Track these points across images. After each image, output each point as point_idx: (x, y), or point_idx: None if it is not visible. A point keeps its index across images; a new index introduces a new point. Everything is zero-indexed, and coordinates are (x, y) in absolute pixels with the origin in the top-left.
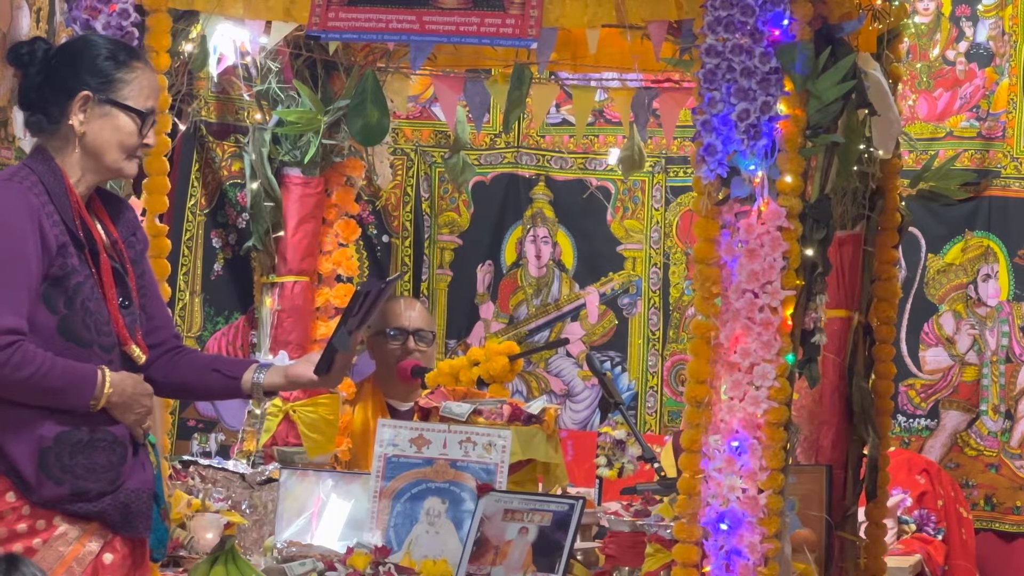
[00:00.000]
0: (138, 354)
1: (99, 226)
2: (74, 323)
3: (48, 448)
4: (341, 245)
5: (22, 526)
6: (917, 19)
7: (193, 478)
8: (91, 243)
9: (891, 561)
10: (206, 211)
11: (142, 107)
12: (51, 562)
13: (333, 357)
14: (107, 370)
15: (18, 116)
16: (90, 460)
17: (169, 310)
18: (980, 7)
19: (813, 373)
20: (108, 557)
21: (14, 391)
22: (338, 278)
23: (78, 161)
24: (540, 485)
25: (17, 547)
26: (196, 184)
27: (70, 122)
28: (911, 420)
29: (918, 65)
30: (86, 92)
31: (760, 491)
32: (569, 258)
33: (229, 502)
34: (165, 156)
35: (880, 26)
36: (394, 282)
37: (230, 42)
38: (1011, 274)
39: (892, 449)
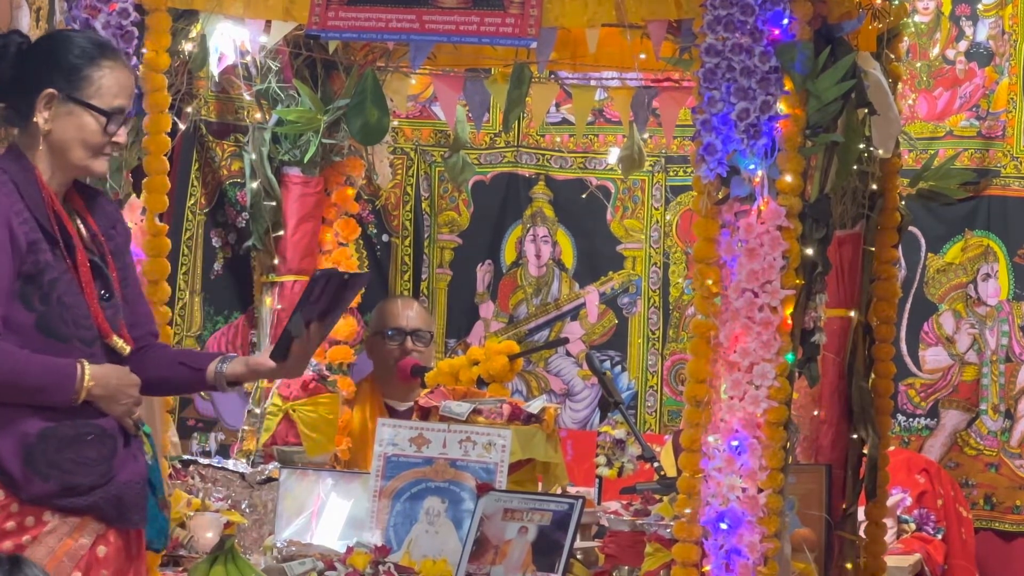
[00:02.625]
0: (121, 345)
1: (79, 221)
2: (52, 319)
3: (32, 445)
4: (341, 244)
5: (11, 524)
6: (917, 18)
7: (193, 477)
8: (66, 238)
9: (891, 560)
10: (206, 210)
11: (107, 106)
12: (41, 557)
13: (289, 343)
14: (86, 364)
15: None
16: (79, 454)
17: (151, 308)
18: (980, 6)
19: (813, 372)
20: (102, 550)
21: None
22: None
23: (46, 158)
24: (540, 484)
25: (7, 544)
26: (196, 183)
27: (35, 119)
28: (911, 419)
29: (918, 64)
30: (51, 90)
31: (760, 490)
32: (569, 257)
33: (229, 501)
34: (165, 155)
35: (880, 25)
36: (360, 278)
37: (230, 41)
38: (1011, 273)
39: (892, 448)
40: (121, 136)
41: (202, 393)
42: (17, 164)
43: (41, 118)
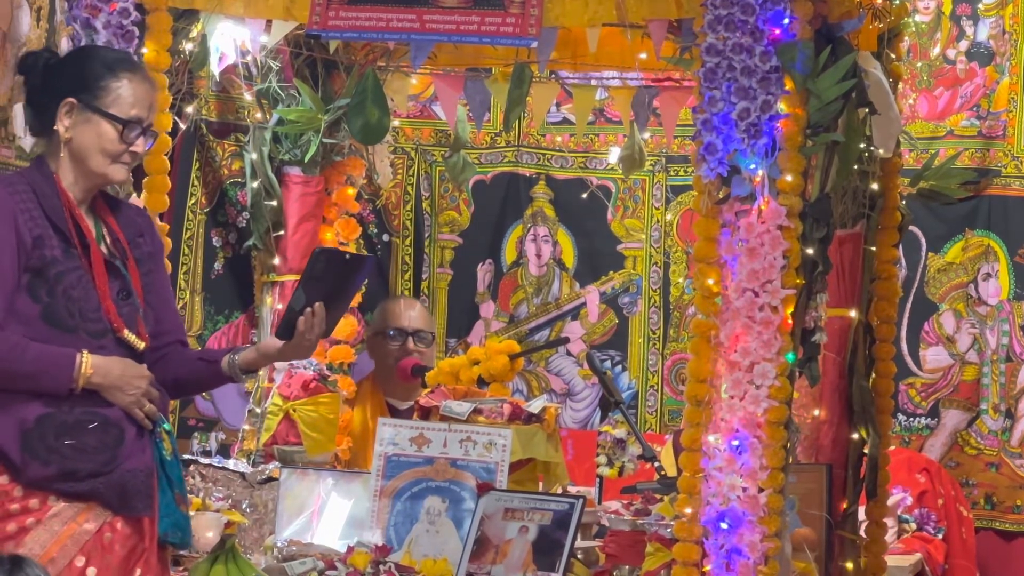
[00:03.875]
0: (135, 340)
1: (103, 227)
2: (57, 310)
3: (30, 430)
4: (341, 244)
5: (15, 506)
6: (918, 18)
7: (193, 477)
8: (81, 237)
9: (891, 560)
10: (206, 210)
11: (124, 115)
12: (45, 540)
13: (293, 320)
14: (87, 353)
15: (18, 115)
16: (79, 441)
17: (180, 317)
18: (980, 6)
19: (813, 372)
20: (108, 536)
21: None
22: None
23: (68, 165)
24: (540, 484)
25: (11, 526)
26: (196, 183)
27: (56, 127)
28: (911, 419)
29: (918, 64)
30: (71, 99)
31: (760, 490)
32: (569, 257)
33: (229, 501)
34: (165, 155)
35: (880, 25)
36: (362, 260)
37: (231, 41)
38: (1011, 273)
39: (892, 448)
40: (139, 145)
41: (203, 392)
42: (38, 170)
43: (62, 126)
